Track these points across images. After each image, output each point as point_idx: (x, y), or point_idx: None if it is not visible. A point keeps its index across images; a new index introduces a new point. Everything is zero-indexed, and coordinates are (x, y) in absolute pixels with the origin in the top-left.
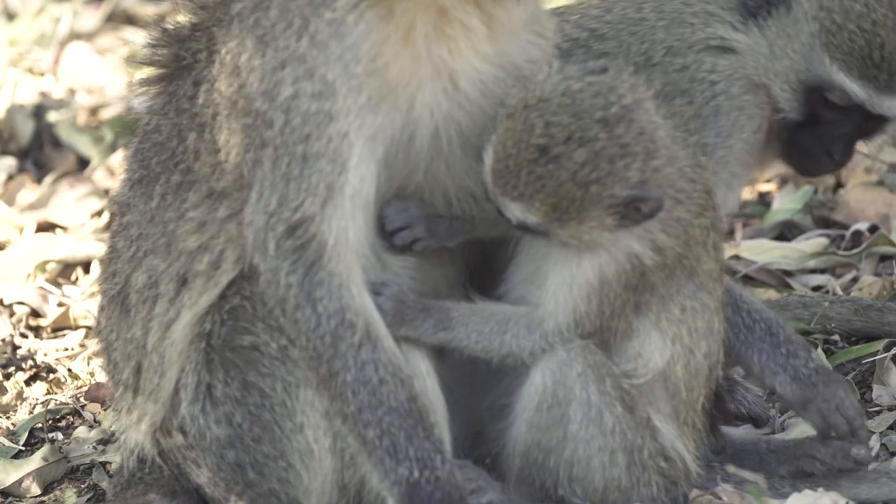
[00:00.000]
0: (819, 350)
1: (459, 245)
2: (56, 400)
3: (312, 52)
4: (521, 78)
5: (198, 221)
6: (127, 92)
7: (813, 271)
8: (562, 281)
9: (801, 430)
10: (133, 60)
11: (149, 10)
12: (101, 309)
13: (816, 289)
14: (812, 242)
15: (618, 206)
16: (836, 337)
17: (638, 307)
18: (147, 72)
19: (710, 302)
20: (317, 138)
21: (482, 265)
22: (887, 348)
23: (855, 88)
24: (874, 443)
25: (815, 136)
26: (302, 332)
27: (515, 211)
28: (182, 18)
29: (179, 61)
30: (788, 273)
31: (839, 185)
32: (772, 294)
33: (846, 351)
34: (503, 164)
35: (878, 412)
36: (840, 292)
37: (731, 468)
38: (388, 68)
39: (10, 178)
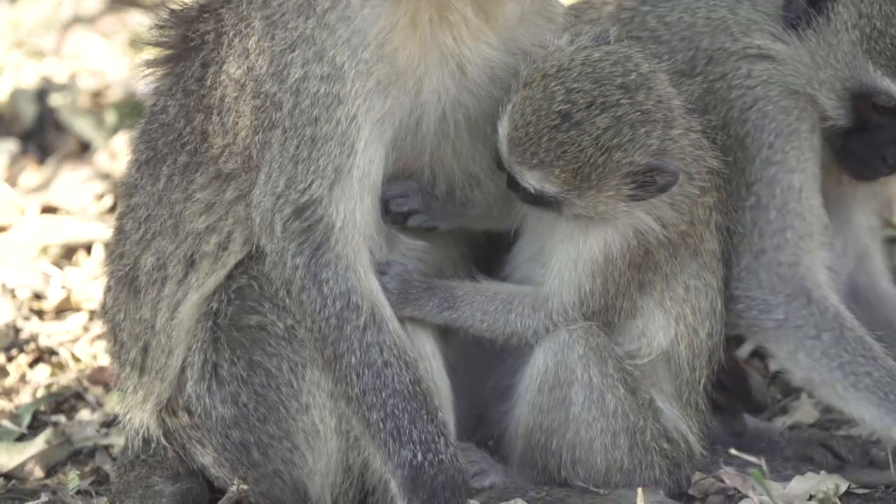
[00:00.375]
0: None
1: (463, 230)
2: (59, 383)
3: (321, 35)
4: (524, 55)
5: (205, 203)
6: (131, 74)
7: None
8: (566, 258)
9: (804, 412)
10: (139, 42)
11: None
12: (108, 290)
13: None
14: None
15: (637, 174)
16: None
17: (642, 286)
18: (154, 53)
19: (714, 282)
20: (326, 121)
21: (487, 249)
22: None
23: None
24: None
25: (866, 141)
26: (307, 314)
27: (532, 180)
28: (189, 0)
29: (187, 42)
30: None
31: None
32: None
33: None
34: (522, 131)
35: None
36: None
37: (733, 451)
38: (396, 54)
39: (13, 161)
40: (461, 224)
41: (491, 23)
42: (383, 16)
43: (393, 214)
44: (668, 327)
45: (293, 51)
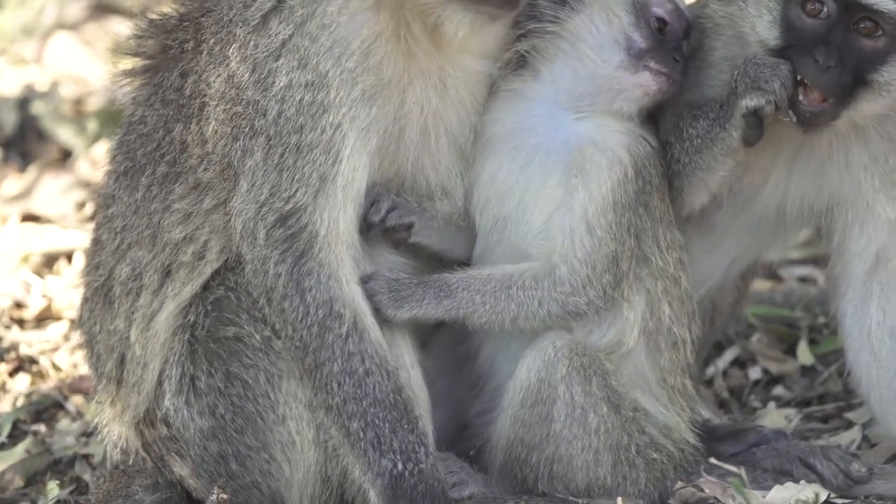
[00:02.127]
0: (803, 340)
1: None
2: (39, 392)
3: (303, 43)
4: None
5: (183, 212)
6: (112, 83)
7: (799, 262)
8: (566, 212)
9: (772, 418)
10: (119, 51)
11: (134, 1)
12: (85, 301)
13: (802, 279)
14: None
15: None
16: (822, 321)
17: (639, 240)
18: (133, 63)
19: (679, 237)
20: (311, 129)
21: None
22: None
23: None
24: (856, 434)
25: (797, 55)
26: (288, 322)
27: None
28: (168, 9)
29: (166, 52)
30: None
31: None
32: (759, 285)
33: (831, 339)
34: None
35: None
36: (824, 283)
37: (713, 460)
38: (381, 65)
39: None
40: (429, 228)
41: (474, 39)
42: (366, 26)
43: (370, 223)
44: (646, 307)
45: (277, 59)
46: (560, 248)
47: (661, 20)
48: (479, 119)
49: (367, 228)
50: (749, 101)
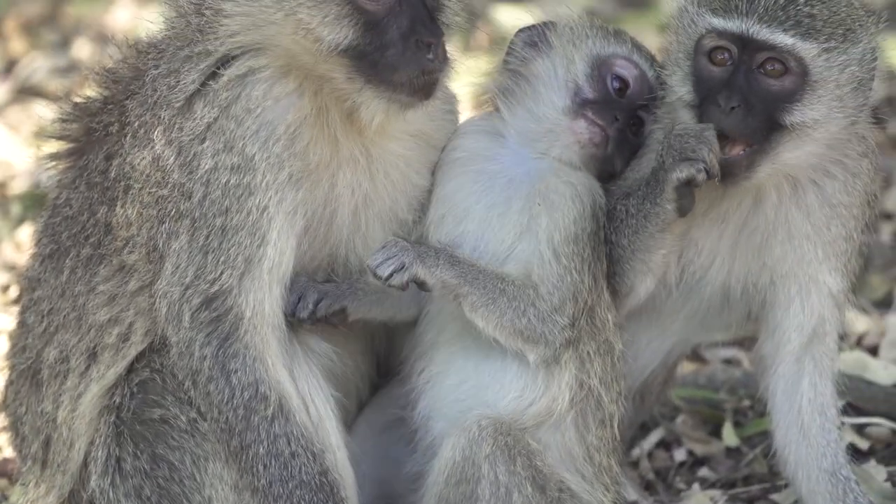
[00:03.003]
0: (728, 422)
1: (368, 323)
2: None
3: (229, 126)
4: (436, 150)
5: (108, 295)
6: (36, 166)
7: (724, 344)
8: (525, 242)
9: (698, 500)
10: (43, 134)
11: (58, 84)
12: (10, 384)
13: (727, 361)
14: None
15: None
16: (747, 403)
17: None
18: (57, 146)
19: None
20: (237, 211)
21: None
22: None
23: (719, 21)
24: None
25: (706, 104)
26: (214, 405)
27: None
28: (92, 92)
29: (90, 134)
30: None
31: None
32: (684, 367)
33: (757, 422)
34: None
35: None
36: (749, 365)
37: None
38: (307, 150)
39: None
40: (366, 304)
41: (394, 124)
42: (291, 110)
43: (300, 319)
44: (578, 370)
45: (202, 142)
46: (537, 269)
47: (622, 80)
48: (423, 191)
49: (298, 323)
50: (679, 174)
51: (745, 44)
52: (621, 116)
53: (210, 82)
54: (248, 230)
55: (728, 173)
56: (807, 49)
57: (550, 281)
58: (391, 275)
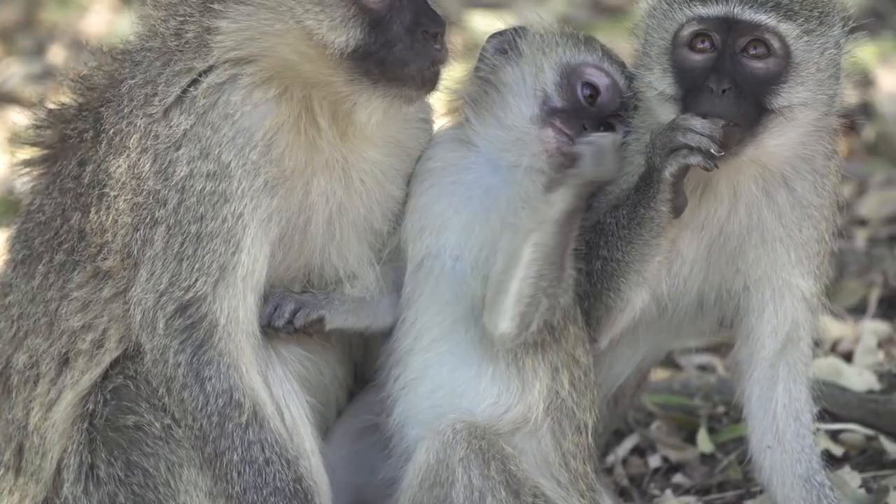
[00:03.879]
0: (702, 428)
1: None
2: None
3: (206, 133)
4: (411, 160)
5: (82, 301)
6: (10, 173)
7: (696, 351)
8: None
9: None
10: (17, 141)
11: (33, 91)
12: None
13: (702, 368)
14: None
15: None
16: (721, 409)
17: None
18: (30, 152)
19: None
20: (211, 218)
21: (367, 346)
22: None
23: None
24: None
25: (691, 90)
26: (188, 412)
27: None
28: (67, 99)
29: (64, 141)
30: (674, 353)
31: None
32: (658, 373)
33: (732, 428)
34: None
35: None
36: (723, 371)
37: None
38: (283, 157)
39: None
40: (343, 313)
41: (373, 128)
42: (269, 117)
43: (276, 328)
44: (551, 381)
45: (178, 149)
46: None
47: (592, 87)
48: (397, 202)
49: (275, 332)
50: (672, 167)
51: (730, 26)
52: (590, 125)
53: (189, 89)
54: (222, 237)
55: (724, 145)
56: (788, 29)
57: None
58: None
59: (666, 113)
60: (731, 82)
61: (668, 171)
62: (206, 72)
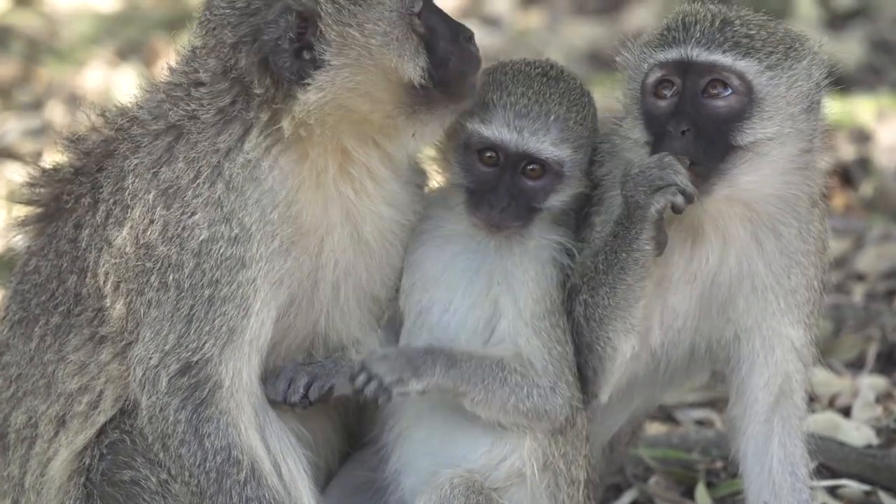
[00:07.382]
0: (701, 483)
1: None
2: None
3: (230, 197)
4: (410, 223)
5: (79, 364)
6: (5, 231)
7: (694, 405)
8: (504, 321)
9: None
10: (13, 198)
11: (31, 146)
12: None
13: (699, 422)
14: None
15: None
16: (720, 464)
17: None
18: (26, 211)
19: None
20: (227, 283)
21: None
22: None
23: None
24: None
25: (658, 135)
26: (185, 468)
27: None
28: (62, 159)
29: (60, 203)
30: (671, 408)
31: None
32: (656, 428)
33: (730, 482)
34: None
35: None
36: (721, 426)
37: None
38: (301, 213)
39: None
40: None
41: (394, 172)
42: (290, 175)
43: (291, 404)
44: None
45: (194, 215)
46: (525, 346)
47: (483, 153)
48: (396, 270)
49: (290, 407)
50: (657, 205)
51: (686, 69)
52: (503, 186)
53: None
54: (235, 302)
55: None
56: (747, 66)
57: (540, 357)
58: (386, 387)
59: (639, 157)
60: (689, 123)
61: (653, 209)
62: (238, 145)
